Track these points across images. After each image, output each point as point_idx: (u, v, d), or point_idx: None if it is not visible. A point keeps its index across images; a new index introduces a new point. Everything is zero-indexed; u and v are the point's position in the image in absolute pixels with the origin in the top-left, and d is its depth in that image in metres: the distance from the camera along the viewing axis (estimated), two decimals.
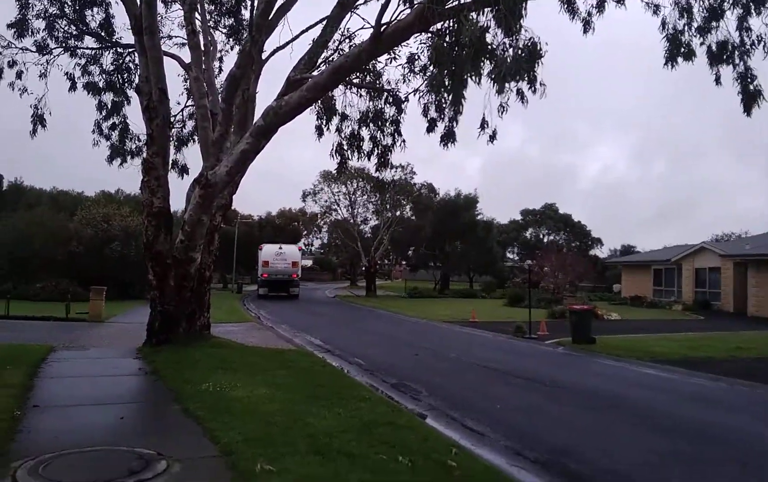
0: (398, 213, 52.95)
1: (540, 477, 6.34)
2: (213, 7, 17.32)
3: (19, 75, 15.72)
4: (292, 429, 6.70)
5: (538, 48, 8.63)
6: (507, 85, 7.76)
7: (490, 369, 13.76)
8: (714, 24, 10.64)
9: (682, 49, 10.27)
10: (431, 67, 9.24)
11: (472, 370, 13.71)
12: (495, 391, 11.17)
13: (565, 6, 10.33)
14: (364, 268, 55.88)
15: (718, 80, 10.75)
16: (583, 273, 46.14)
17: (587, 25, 10.32)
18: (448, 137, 10.37)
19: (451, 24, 7.78)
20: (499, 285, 55.64)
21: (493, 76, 7.56)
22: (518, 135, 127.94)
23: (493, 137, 9.77)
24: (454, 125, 10.12)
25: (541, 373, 13.25)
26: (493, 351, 17.25)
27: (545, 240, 68.01)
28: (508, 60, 7.52)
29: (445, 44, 7.84)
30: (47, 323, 18.96)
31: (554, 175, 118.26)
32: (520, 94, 9.23)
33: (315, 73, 12.21)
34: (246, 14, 16.88)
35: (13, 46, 15.51)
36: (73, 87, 16.64)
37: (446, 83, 7.82)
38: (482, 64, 7.61)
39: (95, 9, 15.99)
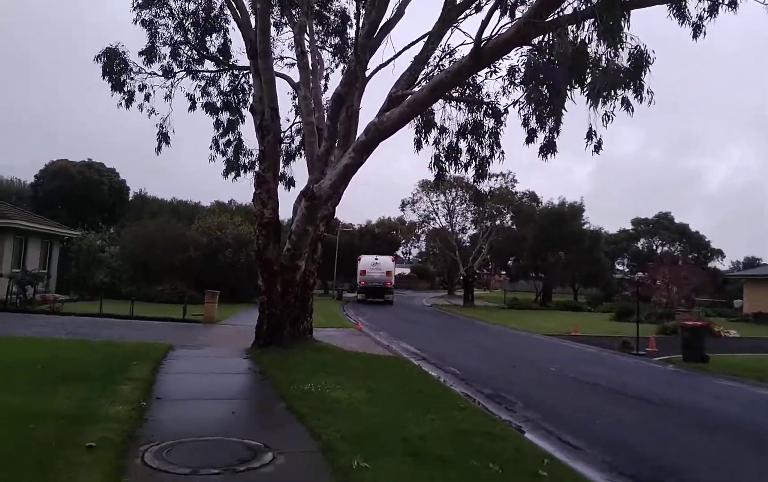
0: (498, 222, 52.25)
1: None
2: (320, 28, 18.24)
3: (147, 97, 17.37)
4: (388, 432, 6.98)
5: (645, 56, 8.42)
6: (603, 98, 7.59)
7: (591, 384, 13.35)
8: None
9: None
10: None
11: (571, 384, 13.37)
12: (595, 406, 10.86)
13: (675, 11, 9.90)
14: (461, 278, 55.60)
15: None
16: (700, 287, 43.10)
17: (698, 29, 9.85)
18: (548, 148, 10.27)
19: (551, 37, 7.76)
20: (606, 298, 53.23)
21: (587, 93, 7.45)
22: (636, 139, 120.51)
23: (598, 147, 9.58)
24: (555, 136, 10.04)
25: (646, 390, 12.68)
26: (595, 366, 16.67)
27: (659, 251, 64.12)
28: (610, 71, 7.37)
29: (539, 60, 7.82)
30: (166, 323, 20.61)
31: (674, 182, 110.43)
32: (625, 102, 8.99)
33: (416, 89, 12.56)
34: (351, 33, 17.65)
35: (143, 71, 17.21)
36: (193, 107, 18.21)
37: (544, 97, 7.80)
38: (581, 77, 7.52)
39: (214, 35, 17.49)
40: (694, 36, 9.94)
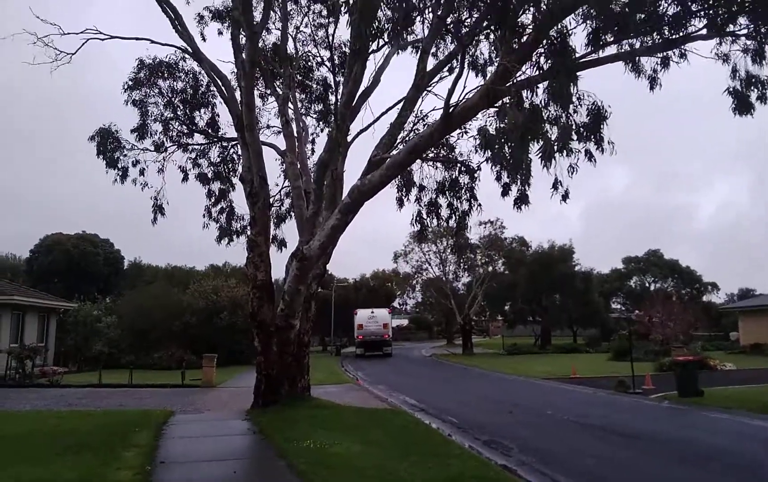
0: (490, 268, 52.76)
1: None
2: (304, 96, 19.19)
3: (142, 172, 18.09)
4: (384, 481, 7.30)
5: (603, 112, 9.11)
6: (554, 158, 8.23)
7: (586, 426, 13.59)
8: None
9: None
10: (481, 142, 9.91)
11: (567, 427, 13.62)
12: (588, 447, 11.12)
13: (631, 66, 10.69)
14: (459, 325, 55.78)
15: None
16: (693, 322, 43.37)
17: (653, 81, 10.62)
18: (522, 200, 10.86)
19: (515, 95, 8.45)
20: (604, 338, 53.28)
21: (539, 155, 8.10)
22: (622, 178, 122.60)
23: (565, 197, 10.16)
24: (526, 189, 10.65)
25: (640, 428, 12.95)
26: (591, 408, 16.89)
27: (651, 288, 64.51)
28: (564, 132, 8.03)
29: (490, 132, 8.51)
30: (166, 390, 20.82)
31: (662, 218, 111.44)
32: (588, 154, 9.65)
33: (394, 152, 13.31)
34: (333, 99, 18.57)
35: (135, 147, 17.95)
36: (185, 178, 19.01)
37: (507, 159, 8.45)
38: (536, 140, 8.17)
39: (202, 110, 18.42)
40: (651, 88, 10.72)
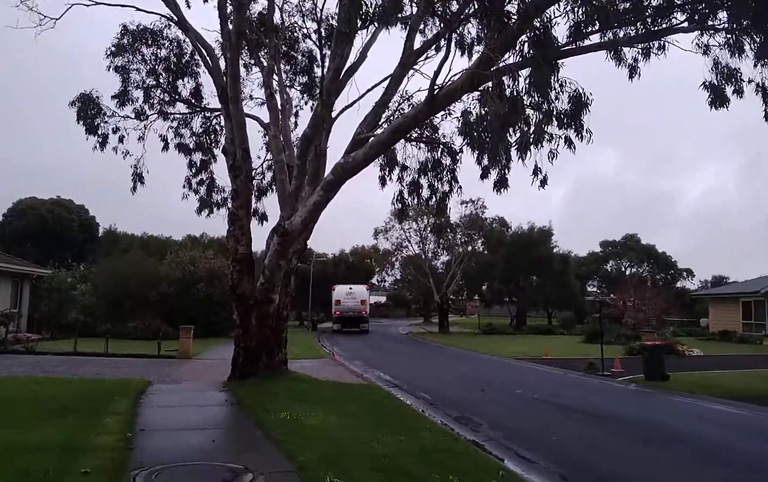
0: (470, 248, 53.24)
1: None
2: (288, 67, 19.02)
3: (121, 139, 17.88)
4: (358, 452, 7.57)
5: (584, 99, 9.31)
6: (530, 150, 8.43)
7: (553, 405, 14.02)
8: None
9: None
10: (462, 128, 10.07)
11: (535, 406, 14.04)
12: (554, 425, 11.48)
13: (612, 54, 10.89)
14: (437, 304, 56.35)
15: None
16: (666, 308, 44.41)
17: (633, 70, 10.84)
18: (501, 184, 11.06)
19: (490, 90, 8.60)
20: (578, 320, 54.25)
21: (517, 146, 8.30)
22: (611, 161, 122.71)
23: (544, 182, 10.35)
24: (506, 173, 10.86)
25: (607, 409, 13.40)
26: (561, 388, 17.38)
27: (627, 272, 65.75)
28: (538, 126, 8.22)
29: (468, 119, 8.65)
30: (142, 360, 20.77)
31: (646, 203, 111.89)
32: (567, 141, 9.87)
33: (378, 131, 13.40)
34: (318, 72, 18.50)
35: (116, 114, 17.74)
36: (165, 147, 18.79)
37: (486, 145, 8.61)
38: (514, 129, 8.36)
39: (186, 79, 18.17)
40: (630, 77, 10.93)
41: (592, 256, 69.15)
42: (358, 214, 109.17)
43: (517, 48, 8.54)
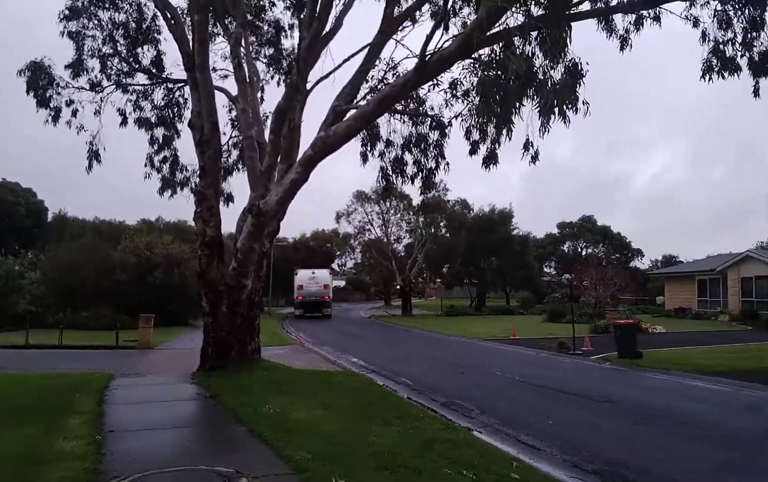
0: (432, 230, 53.06)
1: None
2: (254, 39, 17.91)
3: (75, 113, 16.51)
4: (356, 447, 6.96)
5: (579, 68, 8.84)
6: (549, 111, 7.93)
7: (537, 387, 13.77)
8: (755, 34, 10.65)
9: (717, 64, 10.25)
10: (474, 94, 9.51)
11: (519, 388, 13.76)
12: (545, 408, 11.20)
13: (603, 25, 10.50)
14: (398, 287, 56.06)
15: (756, 92, 10.70)
16: (624, 287, 45.36)
17: (624, 41, 10.48)
18: (491, 159, 10.58)
19: (497, 51, 8.04)
20: (537, 301, 55.02)
21: (538, 109, 7.77)
22: (569, 143, 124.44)
23: (535, 158, 9.88)
24: (497, 147, 10.37)
25: (589, 389, 13.23)
26: (538, 368, 17.22)
27: (583, 253, 67.08)
28: (554, 88, 7.71)
29: (489, 77, 8.05)
30: (99, 351, 19.60)
31: (602, 185, 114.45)
32: (562, 114, 9.38)
33: (362, 102, 12.63)
34: (286, 44, 17.53)
35: (70, 86, 16.36)
36: (124, 122, 17.39)
37: (495, 111, 8.02)
38: (528, 93, 7.82)
39: (146, 47, 16.77)
40: (621, 48, 10.58)
41: (549, 237, 70.31)
42: (319, 198, 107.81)
43: (516, 7, 7.94)
